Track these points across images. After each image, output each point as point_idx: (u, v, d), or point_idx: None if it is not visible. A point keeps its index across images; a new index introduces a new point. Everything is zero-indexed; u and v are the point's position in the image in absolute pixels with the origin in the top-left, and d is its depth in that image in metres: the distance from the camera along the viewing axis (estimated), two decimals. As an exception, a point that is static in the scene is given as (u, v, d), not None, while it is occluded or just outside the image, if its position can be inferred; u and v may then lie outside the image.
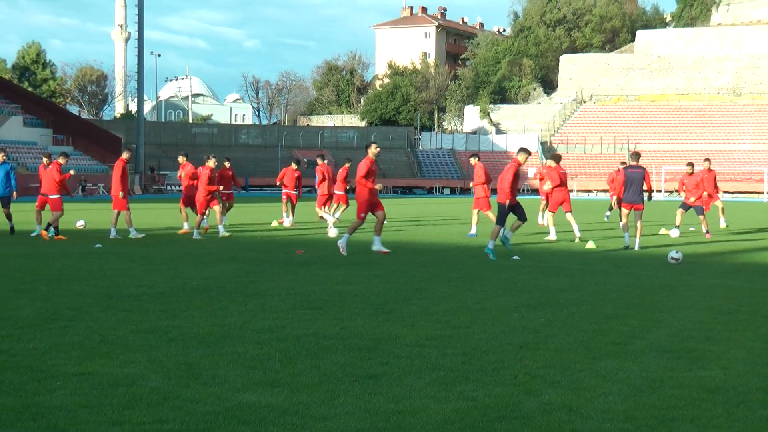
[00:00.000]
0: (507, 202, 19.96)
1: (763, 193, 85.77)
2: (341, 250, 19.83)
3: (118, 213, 24.89)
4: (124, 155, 25.27)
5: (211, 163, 25.63)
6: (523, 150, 20.75)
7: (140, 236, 24.56)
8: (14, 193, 26.12)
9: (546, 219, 26.86)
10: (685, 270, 17.64)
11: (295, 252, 20.68)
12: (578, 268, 18.02)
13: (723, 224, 29.48)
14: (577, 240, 24.17)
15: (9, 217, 25.70)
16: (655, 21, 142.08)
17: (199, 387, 7.67)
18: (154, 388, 7.60)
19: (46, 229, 24.42)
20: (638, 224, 22.06)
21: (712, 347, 9.64)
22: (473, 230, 26.32)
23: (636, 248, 21.78)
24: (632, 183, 22.16)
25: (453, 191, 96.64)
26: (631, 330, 10.64)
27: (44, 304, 12.26)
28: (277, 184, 32.06)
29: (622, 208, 22.42)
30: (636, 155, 22.75)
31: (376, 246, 20.44)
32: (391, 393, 7.51)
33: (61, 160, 25.22)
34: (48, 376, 8.01)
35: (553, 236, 24.93)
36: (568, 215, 25.33)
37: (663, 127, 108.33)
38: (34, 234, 25.10)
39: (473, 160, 27.87)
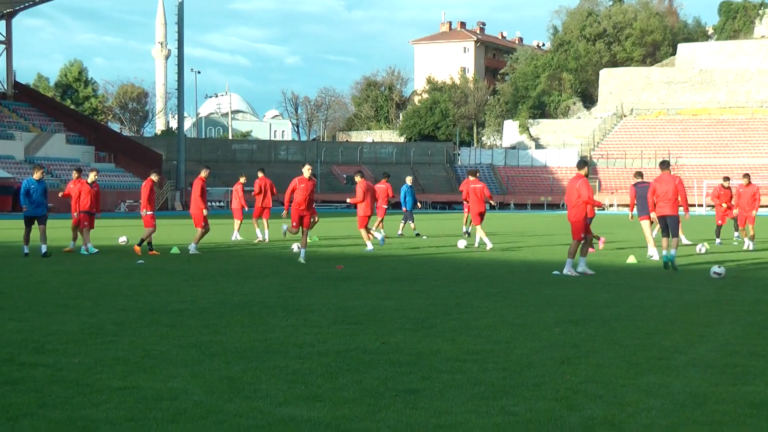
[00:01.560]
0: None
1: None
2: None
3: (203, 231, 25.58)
4: (203, 173, 26.13)
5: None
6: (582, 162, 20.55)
7: (197, 252, 25.06)
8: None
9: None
10: (728, 285, 17.52)
11: (335, 267, 20.74)
12: (620, 283, 17.95)
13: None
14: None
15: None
16: (697, 34, 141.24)
17: (241, 401, 7.72)
18: (197, 402, 7.66)
19: (140, 244, 24.98)
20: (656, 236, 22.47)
21: (757, 362, 9.58)
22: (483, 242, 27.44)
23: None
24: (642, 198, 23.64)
25: (492, 207, 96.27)
26: (673, 345, 10.59)
27: (89, 319, 12.39)
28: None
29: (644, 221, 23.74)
30: (639, 174, 24.24)
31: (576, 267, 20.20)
32: (432, 407, 7.53)
33: (154, 178, 25.84)
34: (93, 390, 8.10)
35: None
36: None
37: (705, 141, 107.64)
38: (83, 252, 25.25)
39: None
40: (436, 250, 26.64)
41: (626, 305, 14.32)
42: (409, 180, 35.26)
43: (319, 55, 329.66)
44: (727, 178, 29.22)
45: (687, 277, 19.19)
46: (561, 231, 37.68)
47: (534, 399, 7.86)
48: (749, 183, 28.62)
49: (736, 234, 30.57)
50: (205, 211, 25.35)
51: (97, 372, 8.88)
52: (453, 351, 10.09)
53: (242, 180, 32.61)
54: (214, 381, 8.50)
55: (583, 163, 20.45)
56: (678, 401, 7.84)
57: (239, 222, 31.82)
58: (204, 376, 8.70)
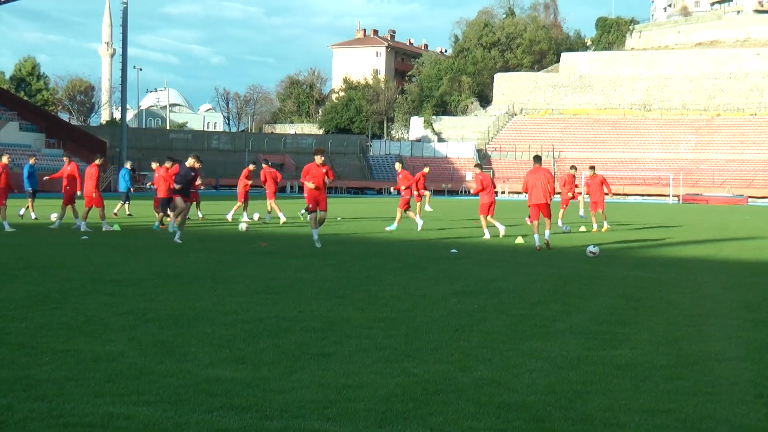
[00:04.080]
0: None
1: (668, 195, 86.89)
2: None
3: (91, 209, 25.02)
4: (98, 161, 25.38)
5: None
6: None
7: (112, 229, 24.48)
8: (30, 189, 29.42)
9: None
10: (601, 262, 17.78)
11: (260, 244, 20.58)
12: (508, 260, 18.10)
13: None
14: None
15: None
16: (578, 45, 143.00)
17: (172, 363, 7.61)
18: (132, 364, 7.53)
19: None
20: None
21: (624, 330, 9.73)
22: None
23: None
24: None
25: (399, 192, 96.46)
26: (553, 314, 10.70)
27: (35, 288, 12.11)
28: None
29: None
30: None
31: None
32: (341, 369, 7.49)
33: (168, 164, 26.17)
34: (38, 352, 7.92)
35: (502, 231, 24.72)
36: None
37: (584, 138, 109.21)
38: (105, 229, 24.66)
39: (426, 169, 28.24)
40: (349, 229, 26.56)
41: (513, 279, 14.43)
42: None
43: (241, 56, 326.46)
44: (592, 167, 29.66)
45: (565, 255, 19.42)
46: (459, 215, 37.91)
47: (432, 362, 7.87)
48: (594, 174, 28.99)
49: (581, 214, 30.97)
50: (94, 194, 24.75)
51: (41, 336, 8.68)
52: (361, 319, 10.06)
53: (251, 166, 31.76)
54: (147, 345, 8.36)
55: (539, 158, 21.73)
56: (556, 363, 7.91)
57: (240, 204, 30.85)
58: (139, 340, 8.55)
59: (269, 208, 30.31)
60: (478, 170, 25.80)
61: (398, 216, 27.06)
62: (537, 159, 21.90)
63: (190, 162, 21.91)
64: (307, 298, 11.63)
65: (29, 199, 29.44)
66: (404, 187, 27.32)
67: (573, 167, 30.87)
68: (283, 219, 29.62)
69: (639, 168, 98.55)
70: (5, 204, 24.51)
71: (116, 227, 24.96)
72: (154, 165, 29.40)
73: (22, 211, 29.37)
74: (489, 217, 24.81)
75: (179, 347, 8.27)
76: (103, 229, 24.19)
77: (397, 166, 28.10)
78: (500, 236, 24.09)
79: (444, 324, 9.88)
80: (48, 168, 67.09)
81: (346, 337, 8.92)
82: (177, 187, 21.67)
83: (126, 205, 33.10)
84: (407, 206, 27.13)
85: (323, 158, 20.63)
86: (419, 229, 26.47)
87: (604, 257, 18.82)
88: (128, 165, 33.79)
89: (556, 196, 25.95)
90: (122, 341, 8.50)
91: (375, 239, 23.30)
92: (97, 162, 25.16)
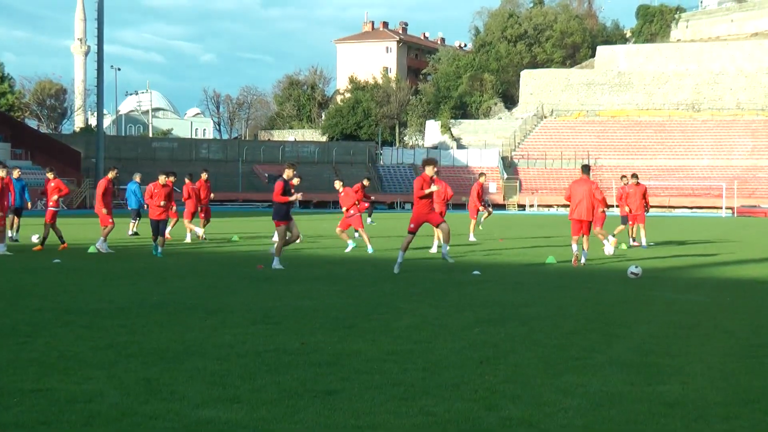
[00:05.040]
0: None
1: (721, 208, 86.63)
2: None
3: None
4: (110, 174, 26.03)
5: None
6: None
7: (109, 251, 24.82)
8: (28, 204, 30.80)
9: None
10: (644, 285, 17.75)
11: (256, 267, 20.62)
12: (538, 282, 18.09)
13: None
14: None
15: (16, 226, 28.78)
16: (615, 37, 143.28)
17: (158, 403, 7.62)
18: (112, 405, 7.54)
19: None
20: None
21: (672, 362, 9.71)
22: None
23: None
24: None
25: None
26: (591, 345, 10.69)
27: (1, 319, 12.14)
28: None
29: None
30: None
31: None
32: (351, 409, 7.50)
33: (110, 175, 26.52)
34: (5, 392, 7.93)
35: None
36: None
37: (623, 143, 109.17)
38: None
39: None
40: (358, 251, 26.60)
41: (544, 305, 14.42)
42: None
43: (234, 53, 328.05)
44: (634, 175, 29.69)
45: (604, 277, 19.40)
46: (482, 233, 37.94)
47: (453, 399, 7.87)
48: (638, 183, 29.08)
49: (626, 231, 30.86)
50: (104, 210, 25.36)
51: (8, 374, 8.70)
52: (373, 351, 10.07)
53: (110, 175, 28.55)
54: (130, 382, 8.38)
55: (588, 168, 22.23)
56: (594, 401, 7.90)
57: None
58: (120, 378, 8.57)
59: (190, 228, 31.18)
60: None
61: (365, 237, 26.85)
62: (585, 169, 22.09)
63: (287, 173, 21.71)
64: (311, 329, 11.64)
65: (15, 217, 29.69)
66: (345, 208, 27.21)
67: (634, 176, 30.75)
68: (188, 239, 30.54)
69: (687, 177, 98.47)
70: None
71: (92, 248, 25.11)
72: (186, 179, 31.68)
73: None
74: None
75: (166, 385, 8.28)
76: (97, 245, 24.88)
77: (337, 184, 27.79)
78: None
79: (466, 357, 9.87)
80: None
81: (356, 373, 8.93)
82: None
83: (136, 223, 33.88)
84: (354, 225, 27.21)
85: (436, 169, 20.37)
86: (348, 250, 26.34)
87: (648, 279, 18.79)
88: (137, 178, 34.03)
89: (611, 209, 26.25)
90: (101, 379, 8.52)
91: (387, 261, 23.28)
92: (110, 175, 25.75)
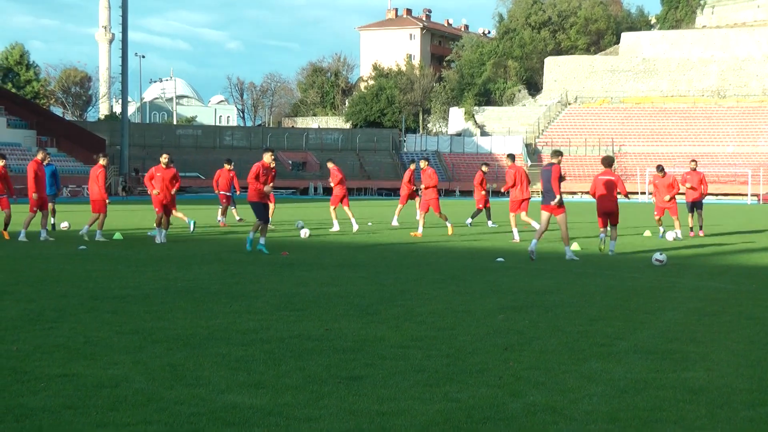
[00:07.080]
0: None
1: (747, 195, 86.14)
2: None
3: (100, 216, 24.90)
4: (102, 161, 25.35)
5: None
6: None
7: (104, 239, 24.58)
8: (59, 191, 30.34)
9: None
10: (669, 272, 17.70)
11: (280, 254, 20.66)
12: (563, 269, 18.06)
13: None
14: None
15: (53, 212, 28.05)
16: (640, 23, 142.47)
17: (183, 388, 7.66)
18: (138, 390, 7.59)
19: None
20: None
21: (697, 349, 9.68)
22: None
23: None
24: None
25: (438, 193, 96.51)
26: (615, 332, 10.67)
27: (28, 305, 12.22)
28: (216, 189, 33.18)
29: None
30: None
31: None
32: (375, 394, 7.51)
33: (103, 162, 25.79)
34: (32, 377, 7.99)
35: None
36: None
37: (648, 130, 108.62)
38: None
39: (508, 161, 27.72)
40: (379, 237, 26.60)
41: (569, 292, 14.40)
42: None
43: (260, 40, 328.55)
44: (660, 167, 29.41)
45: (629, 264, 19.35)
46: (506, 218, 37.83)
47: (477, 386, 7.88)
48: (664, 174, 28.85)
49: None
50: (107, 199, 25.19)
51: (35, 359, 8.76)
52: (397, 338, 10.08)
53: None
54: (155, 368, 8.42)
55: (609, 160, 21.78)
56: (619, 387, 7.89)
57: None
58: (145, 363, 8.62)
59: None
60: (510, 162, 26.85)
61: (349, 214, 29.64)
62: (606, 162, 21.77)
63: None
64: (335, 315, 11.67)
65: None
66: (424, 186, 29.01)
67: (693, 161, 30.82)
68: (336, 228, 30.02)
69: (712, 164, 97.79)
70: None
71: (117, 235, 25.14)
72: (227, 165, 33.15)
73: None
74: (523, 215, 25.47)
75: (191, 371, 8.33)
76: (96, 238, 24.30)
77: (329, 164, 31.28)
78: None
79: (490, 343, 9.88)
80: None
81: (380, 359, 8.94)
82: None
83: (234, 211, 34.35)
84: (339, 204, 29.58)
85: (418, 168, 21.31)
86: (333, 230, 28.97)
87: (673, 266, 18.73)
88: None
89: (637, 196, 26.40)
90: (127, 364, 8.57)
91: (410, 247, 23.32)
92: (102, 162, 25.21)
